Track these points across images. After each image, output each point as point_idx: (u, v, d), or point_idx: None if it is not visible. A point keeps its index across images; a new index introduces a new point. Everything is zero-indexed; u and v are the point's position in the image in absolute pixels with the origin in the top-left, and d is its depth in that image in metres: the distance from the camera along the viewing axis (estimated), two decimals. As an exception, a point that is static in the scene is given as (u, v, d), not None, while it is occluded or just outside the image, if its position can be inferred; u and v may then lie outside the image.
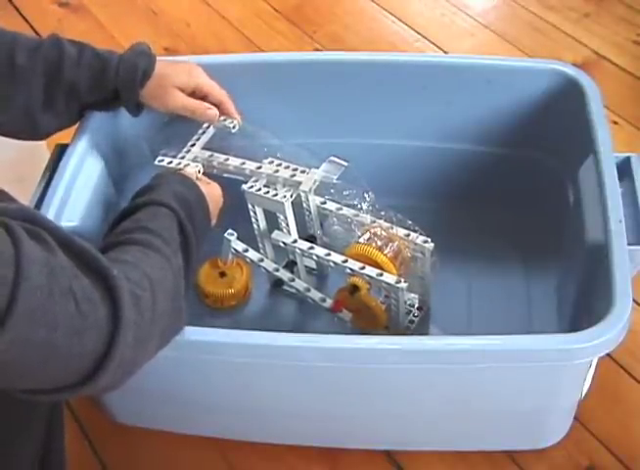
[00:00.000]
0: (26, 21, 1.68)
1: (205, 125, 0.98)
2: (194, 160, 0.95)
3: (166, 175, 0.83)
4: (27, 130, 0.88)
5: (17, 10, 1.71)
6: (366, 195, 0.94)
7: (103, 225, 0.93)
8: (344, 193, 0.94)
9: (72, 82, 0.87)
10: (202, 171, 0.91)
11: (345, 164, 0.93)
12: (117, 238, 0.69)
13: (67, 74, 0.86)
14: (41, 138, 0.91)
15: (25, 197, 0.89)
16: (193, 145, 0.97)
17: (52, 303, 0.53)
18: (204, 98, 0.94)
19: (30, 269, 0.52)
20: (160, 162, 0.95)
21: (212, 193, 0.85)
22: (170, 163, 0.95)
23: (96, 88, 0.88)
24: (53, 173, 0.89)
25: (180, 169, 0.90)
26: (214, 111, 0.95)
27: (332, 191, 0.94)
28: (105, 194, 0.95)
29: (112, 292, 0.58)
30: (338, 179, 0.92)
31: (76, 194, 0.88)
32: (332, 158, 0.94)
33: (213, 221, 0.84)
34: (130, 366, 0.62)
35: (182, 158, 0.95)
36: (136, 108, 0.92)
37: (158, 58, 0.91)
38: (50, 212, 0.84)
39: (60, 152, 0.92)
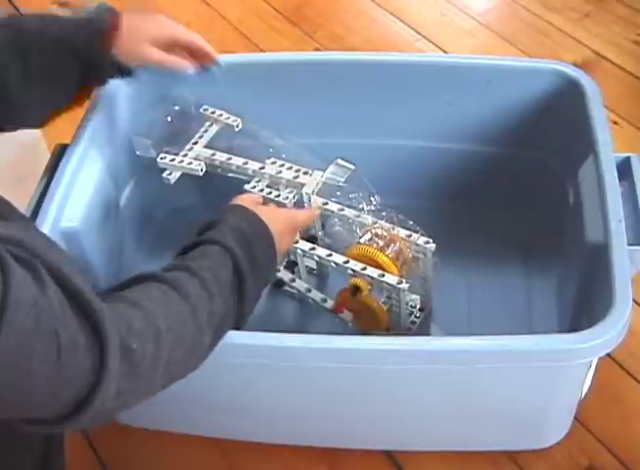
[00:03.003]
0: (26, 20, 1.68)
1: (208, 124, 0.98)
2: (196, 158, 0.96)
3: (229, 208, 0.79)
4: (13, 118, 0.84)
5: (17, 10, 1.71)
6: (372, 198, 0.94)
7: (103, 225, 0.93)
8: (350, 195, 0.94)
9: (42, 49, 0.81)
10: (203, 170, 0.90)
11: (352, 166, 0.93)
12: (154, 273, 0.67)
13: (34, 44, 0.81)
14: (33, 125, 0.87)
15: (26, 197, 0.89)
16: (195, 143, 0.97)
17: (33, 347, 0.50)
18: (186, 50, 0.91)
19: (16, 312, 0.49)
20: (162, 159, 0.95)
21: (278, 219, 0.81)
22: (173, 160, 0.95)
23: (63, 51, 0.82)
24: (53, 173, 0.89)
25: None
26: (188, 61, 0.91)
27: (338, 193, 0.95)
28: (105, 194, 0.95)
29: (99, 340, 0.54)
30: (344, 182, 0.93)
31: (76, 194, 0.88)
32: (338, 160, 0.94)
33: (283, 247, 0.82)
34: (115, 411, 0.59)
35: (184, 156, 0.96)
36: (117, 69, 0.86)
37: (125, 13, 0.86)
38: (50, 212, 0.84)
39: (60, 152, 0.92)
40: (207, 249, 0.71)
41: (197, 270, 0.67)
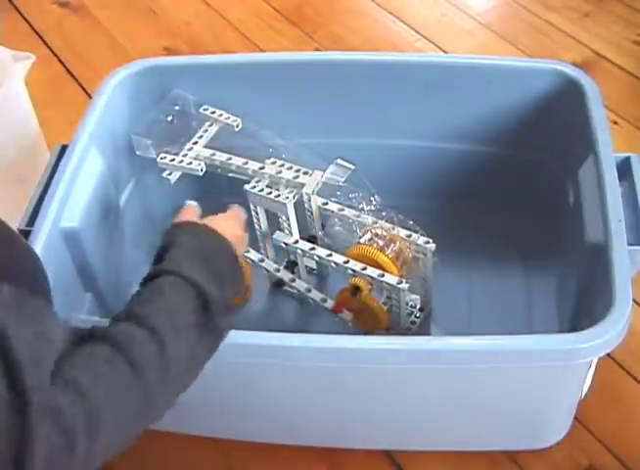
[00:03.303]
0: (26, 20, 1.68)
1: (208, 124, 0.98)
2: (196, 158, 0.96)
3: (178, 229, 0.75)
4: None
5: (17, 10, 1.71)
6: (372, 198, 0.94)
7: (103, 225, 0.93)
8: (350, 195, 0.94)
9: None
10: (203, 169, 0.90)
11: (352, 166, 0.93)
12: (105, 330, 0.61)
13: None
14: None
15: (26, 198, 0.89)
16: (195, 143, 0.97)
17: None
18: None
19: None
20: (162, 159, 0.95)
21: (226, 224, 0.77)
22: (173, 160, 0.95)
23: None
24: (53, 173, 0.89)
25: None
26: None
27: (338, 193, 0.95)
28: (105, 194, 0.95)
29: (25, 440, 0.49)
30: (344, 182, 0.93)
31: (76, 194, 0.88)
32: (338, 160, 0.94)
33: (241, 249, 0.79)
34: None
35: (184, 156, 0.96)
36: None
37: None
38: (50, 212, 0.84)
39: (60, 152, 0.92)
40: (163, 282, 0.66)
41: (147, 318, 0.62)
